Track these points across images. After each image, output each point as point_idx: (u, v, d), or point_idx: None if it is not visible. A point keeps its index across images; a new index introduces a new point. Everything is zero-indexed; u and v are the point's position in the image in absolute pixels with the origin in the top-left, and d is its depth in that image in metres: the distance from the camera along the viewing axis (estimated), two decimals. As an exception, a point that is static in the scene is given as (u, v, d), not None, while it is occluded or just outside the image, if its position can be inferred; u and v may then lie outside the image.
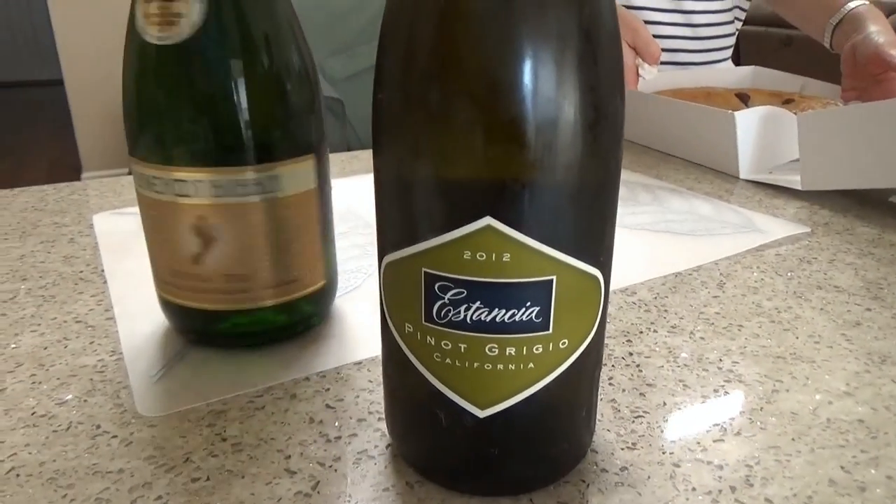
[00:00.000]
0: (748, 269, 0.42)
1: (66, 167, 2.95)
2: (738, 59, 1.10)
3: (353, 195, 0.54)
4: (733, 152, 0.59)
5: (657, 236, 0.47)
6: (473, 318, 0.20)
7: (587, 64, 0.19)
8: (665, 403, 0.29)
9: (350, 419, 0.28)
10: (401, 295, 0.22)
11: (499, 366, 0.21)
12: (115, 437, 0.26)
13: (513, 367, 0.21)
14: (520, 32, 0.18)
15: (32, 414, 0.28)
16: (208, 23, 0.25)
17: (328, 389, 0.29)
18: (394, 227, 0.21)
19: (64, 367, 0.31)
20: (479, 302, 0.20)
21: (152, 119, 0.27)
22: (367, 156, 0.67)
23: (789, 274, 0.41)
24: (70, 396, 0.29)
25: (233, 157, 0.27)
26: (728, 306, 0.37)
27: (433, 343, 0.21)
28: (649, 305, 0.37)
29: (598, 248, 0.21)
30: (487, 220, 0.19)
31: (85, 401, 0.28)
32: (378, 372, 0.31)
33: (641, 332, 0.34)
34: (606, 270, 0.22)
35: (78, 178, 2.75)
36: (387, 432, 0.26)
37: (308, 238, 0.30)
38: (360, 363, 0.31)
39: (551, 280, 0.20)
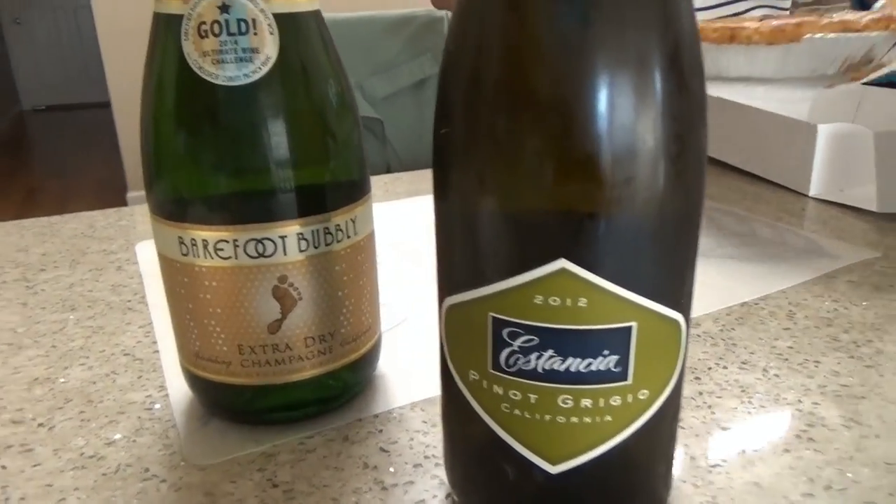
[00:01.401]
0: (819, 298, 0.39)
1: (112, 187, 3.03)
2: None
3: (397, 219, 0.53)
4: (807, 167, 0.57)
5: (717, 263, 0.45)
6: (545, 366, 0.19)
7: (671, 91, 0.17)
8: (744, 451, 0.27)
9: (406, 464, 0.26)
10: (464, 340, 0.20)
11: (573, 418, 0.19)
12: (164, 481, 0.25)
13: (588, 420, 0.19)
14: (598, 59, 0.16)
15: (81, 454, 0.27)
16: (283, 55, 0.24)
17: (381, 431, 0.28)
18: (457, 268, 0.20)
19: (112, 404, 0.30)
20: (551, 350, 0.18)
21: (221, 175, 0.25)
22: (409, 177, 0.66)
23: (864, 303, 0.39)
24: (119, 436, 0.28)
25: (318, 204, 0.25)
26: (801, 340, 0.35)
27: (501, 392, 0.20)
28: (716, 339, 0.35)
29: (679, 290, 0.19)
30: (562, 263, 0.18)
31: (133, 441, 0.28)
32: (433, 412, 0.29)
33: (710, 369, 0.32)
34: (688, 313, 0.20)
35: (124, 198, 2.82)
36: (446, 481, 0.25)
37: (371, 280, 0.29)
38: (414, 403, 0.30)
39: (631, 326, 0.18)
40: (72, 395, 0.31)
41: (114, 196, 2.92)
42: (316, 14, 0.25)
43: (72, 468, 0.26)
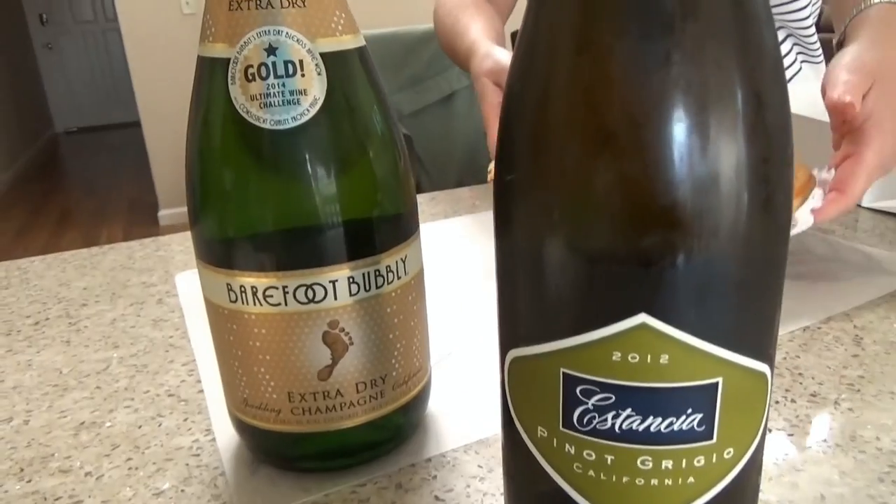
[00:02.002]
0: (886, 321, 0.37)
1: (144, 205, 3.09)
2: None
3: (435, 243, 0.52)
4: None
5: (773, 282, 0.43)
6: (623, 426, 0.17)
7: (757, 133, 0.16)
8: (823, 497, 0.25)
9: (464, 515, 0.25)
10: (532, 395, 0.19)
11: (652, 480, 0.18)
12: (215, 535, 0.25)
13: (669, 483, 0.18)
14: (683, 102, 0.15)
15: (130, 507, 0.26)
16: (330, 96, 0.23)
17: (435, 477, 0.27)
18: (523, 319, 0.19)
19: (159, 450, 0.30)
20: (630, 409, 0.17)
21: (269, 220, 0.24)
22: (445, 197, 0.66)
23: (935, 325, 0.37)
24: (167, 485, 0.27)
25: (368, 246, 0.25)
26: (872, 368, 0.33)
27: (573, 452, 0.18)
28: (780, 368, 0.33)
29: (767, 339, 0.18)
30: (642, 318, 0.16)
31: (182, 490, 0.27)
32: (488, 455, 0.28)
33: (778, 402, 0.31)
34: (773, 362, 0.19)
35: (155, 216, 2.87)
36: (508, 535, 0.24)
37: (422, 319, 0.28)
38: (468, 446, 0.29)
39: (716, 383, 0.17)
40: (118, 441, 0.30)
41: (145, 215, 2.97)
42: (362, 50, 0.25)
43: (122, 522, 0.25)
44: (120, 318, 0.43)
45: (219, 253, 0.25)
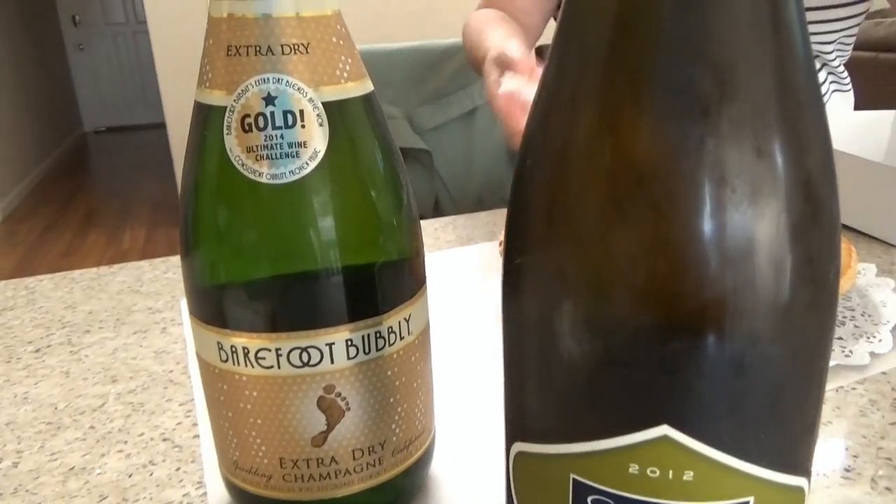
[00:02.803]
0: (927, 382, 0.35)
1: (166, 206, 3.12)
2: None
3: (448, 273, 0.50)
4: None
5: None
6: (639, 544, 0.16)
7: (802, 230, 0.14)
8: None
9: None
10: (538, 496, 0.17)
11: None
12: None
13: None
14: (717, 190, 0.13)
15: (112, 571, 0.25)
16: (333, 148, 0.22)
17: (435, 550, 0.25)
18: (531, 413, 0.17)
19: (148, 503, 0.28)
20: (648, 526, 0.15)
21: (263, 278, 0.22)
22: (463, 222, 0.64)
23: (981, 389, 0.34)
24: (152, 546, 0.26)
25: (369, 306, 0.23)
26: (912, 438, 0.30)
27: (582, 564, 0.17)
28: (811, 436, 0.31)
29: (806, 451, 0.16)
30: (664, 430, 0.14)
31: (168, 553, 0.25)
32: (492, 528, 0.26)
33: (808, 478, 0.28)
34: (811, 474, 0.17)
35: (177, 217, 2.89)
36: None
37: (426, 379, 0.26)
38: (471, 516, 0.27)
39: (747, 502, 0.15)
40: (107, 491, 0.29)
41: (168, 216, 3.00)
42: (368, 97, 0.23)
43: (102, 589, 0.24)
44: (122, 348, 0.42)
45: (210, 309, 0.23)
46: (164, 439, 0.32)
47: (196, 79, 0.23)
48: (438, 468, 0.29)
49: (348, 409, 0.24)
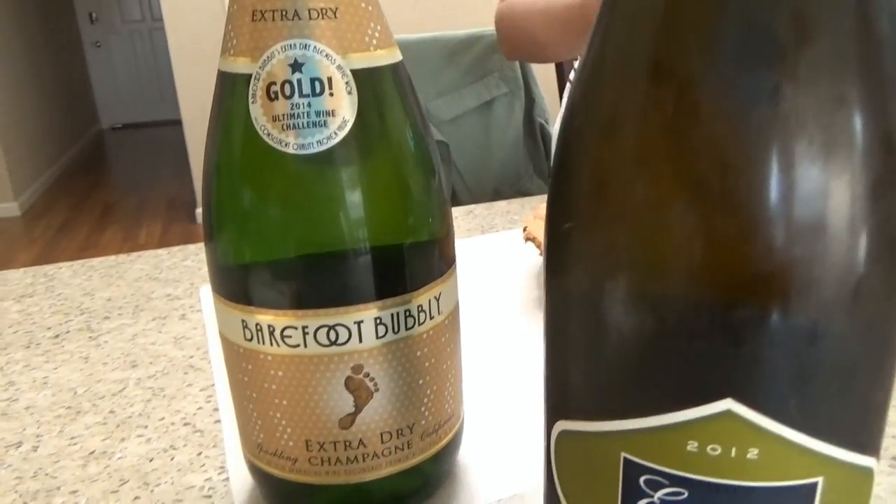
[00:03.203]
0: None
1: (182, 202, 3.13)
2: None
3: (470, 262, 0.49)
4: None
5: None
6: (696, 528, 0.15)
7: (886, 184, 0.13)
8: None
9: (497, 589, 0.22)
10: (583, 477, 0.16)
11: (729, 591, 0.15)
12: None
13: None
14: (792, 143, 0.12)
15: (134, 556, 0.24)
16: (361, 118, 0.21)
17: (466, 538, 0.24)
18: (577, 389, 0.16)
19: (169, 488, 0.27)
20: (705, 508, 0.14)
21: (289, 254, 0.21)
22: (482, 211, 0.63)
23: None
24: (175, 532, 0.25)
25: (398, 284, 0.22)
26: (962, 428, 0.29)
27: (632, 549, 0.16)
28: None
29: (878, 429, 0.15)
30: (728, 404, 0.13)
31: (190, 538, 0.25)
32: (524, 515, 0.25)
33: (854, 467, 0.27)
34: (879, 453, 0.15)
35: (193, 214, 2.90)
36: None
37: (455, 362, 0.25)
38: (500, 501, 0.26)
39: (815, 483, 0.14)
40: (128, 475, 0.28)
41: (183, 212, 3.01)
42: (397, 67, 0.22)
43: (123, 574, 0.23)
44: (141, 334, 0.41)
45: (234, 286, 0.22)
46: (185, 424, 0.32)
47: (213, 76, 0.22)
48: (467, 455, 0.29)
49: (377, 390, 0.23)
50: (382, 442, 0.23)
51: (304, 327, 0.22)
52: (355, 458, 0.23)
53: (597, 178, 0.14)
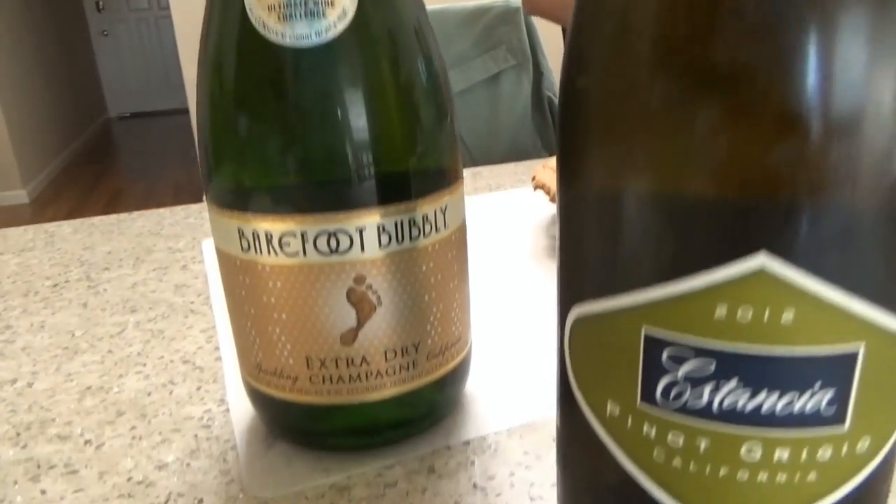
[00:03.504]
0: None
1: (189, 190, 3.13)
2: None
3: (480, 216, 0.48)
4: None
5: None
6: (725, 403, 0.13)
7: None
8: (952, 510, 0.20)
9: (506, 509, 0.21)
10: (601, 362, 0.15)
11: (760, 475, 0.14)
12: (219, 517, 0.21)
13: (782, 479, 0.14)
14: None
15: (129, 480, 0.23)
16: (363, 11, 0.19)
17: (474, 463, 0.23)
18: (594, 265, 0.15)
19: (167, 419, 0.27)
20: (735, 380, 0.13)
21: (287, 155, 0.20)
22: (489, 172, 0.62)
23: None
24: (171, 458, 0.24)
25: (402, 190, 0.21)
26: None
27: (653, 435, 0.14)
28: None
29: (922, 298, 0.14)
30: (761, 261, 0.12)
31: (188, 464, 0.24)
32: (535, 441, 0.24)
33: None
34: (923, 331, 0.14)
35: (200, 201, 2.90)
36: (560, 536, 0.20)
37: (463, 281, 0.24)
38: (512, 430, 0.25)
39: (856, 351, 0.13)
40: (125, 408, 0.28)
41: (191, 199, 3.01)
42: (402, -44, 0.21)
43: (117, 496, 0.22)
44: (141, 283, 0.40)
45: (230, 193, 0.21)
46: (185, 361, 0.31)
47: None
48: (476, 387, 0.27)
49: (380, 304, 0.22)
50: (386, 360, 0.22)
51: (303, 234, 0.20)
52: (358, 376, 0.22)
53: (619, 17, 0.13)
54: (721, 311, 0.13)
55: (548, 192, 0.41)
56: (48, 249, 0.47)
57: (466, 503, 0.21)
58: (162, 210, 0.55)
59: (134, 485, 0.23)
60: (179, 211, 0.54)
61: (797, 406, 0.13)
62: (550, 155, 1.09)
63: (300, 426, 0.24)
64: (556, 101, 1.07)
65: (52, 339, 0.34)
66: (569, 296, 0.16)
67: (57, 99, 3.84)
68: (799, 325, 0.12)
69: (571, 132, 0.15)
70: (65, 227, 0.51)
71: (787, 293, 0.12)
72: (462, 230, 0.24)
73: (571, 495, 0.18)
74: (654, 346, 0.14)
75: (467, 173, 0.62)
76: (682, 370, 0.14)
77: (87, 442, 0.25)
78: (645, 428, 0.15)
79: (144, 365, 0.31)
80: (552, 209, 0.48)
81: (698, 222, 0.13)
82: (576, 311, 0.16)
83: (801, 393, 0.13)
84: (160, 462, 0.24)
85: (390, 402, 0.23)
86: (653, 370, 0.14)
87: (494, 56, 1.07)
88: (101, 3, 4.84)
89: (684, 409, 0.14)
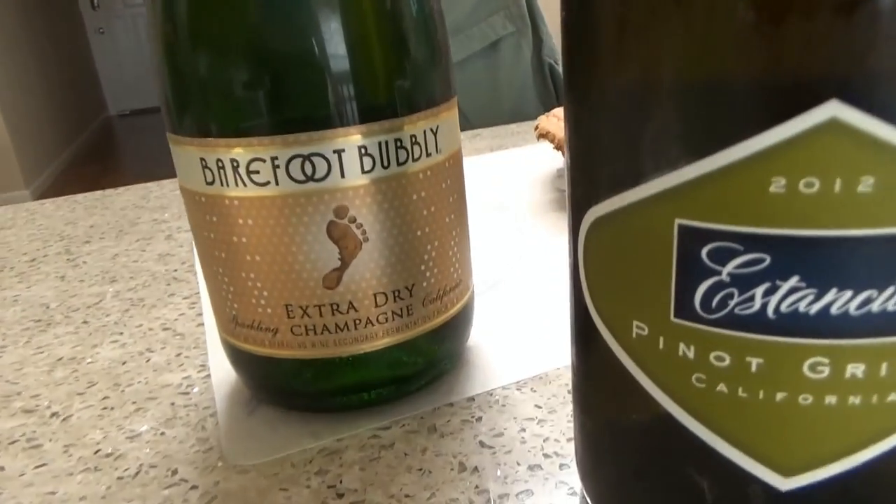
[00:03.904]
0: None
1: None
2: None
3: (482, 174, 0.46)
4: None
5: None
6: (783, 309, 0.11)
7: None
8: None
9: (518, 466, 0.19)
10: (623, 274, 0.12)
11: (827, 398, 0.11)
12: (194, 487, 0.19)
13: (856, 402, 0.11)
14: None
15: (96, 452, 0.21)
16: None
17: (480, 419, 0.21)
18: (613, 152, 0.12)
19: (142, 387, 0.24)
20: (797, 278, 0.10)
21: (250, 64, 0.17)
22: (490, 133, 0.59)
23: None
24: (145, 427, 0.22)
25: (388, 107, 0.18)
26: None
27: (692, 356, 0.12)
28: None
29: None
30: (832, 111, 0.09)
31: (162, 433, 0.21)
32: (548, 394, 0.22)
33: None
34: None
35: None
36: (580, 492, 0.17)
37: (461, 216, 0.22)
38: (521, 382, 0.22)
39: (952, 230, 0.10)
40: (97, 378, 0.25)
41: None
42: None
43: (82, 469, 0.20)
44: (123, 254, 0.38)
45: (189, 116, 0.19)
46: (165, 329, 0.28)
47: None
48: (479, 340, 0.25)
49: (366, 239, 0.19)
50: (377, 305, 0.20)
51: (273, 159, 0.18)
52: (345, 325, 0.20)
53: None
54: (778, 185, 0.10)
55: (552, 140, 0.38)
56: (28, 227, 0.44)
57: (472, 463, 0.19)
58: (149, 184, 0.52)
59: (101, 457, 0.21)
60: (167, 184, 0.52)
61: (876, 307, 0.10)
62: (554, 124, 1.06)
63: (284, 385, 0.21)
64: (558, 68, 1.04)
65: (24, 312, 0.31)
66: (583, 198, 0.13)
67: (56, 98, 3.82)
68: (881, 195, 0.10)
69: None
70: (47, 206, 0.49)
71: (866, 152, 0.10)
72: (458, 157, 0.21)
73: (592, 443, 0.15)
74: (690, 240, 0.11)
75: (467, 135, 0.59)
76: (728, 269, 0.11)
77: (53, 414, 0.23)
78: (681, 349, 0.12)
79: (121, 334, 0.28)
80: (558, 160, 0.45)
81: (747, 67, 0.10)
82: (592, 214, 0.13)
83: (882, 289, 0.10)
84: (132, 432, 0.22)
85: (383, 355, 0.20)
86: (690, 273, 0.11)
87: (492, 23, 1.04)
88: (95, 0, 4.81)
89: (731, 320, 0.11)
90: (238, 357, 0.21)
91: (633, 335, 0.13)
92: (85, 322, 0.30)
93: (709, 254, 0.11)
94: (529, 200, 0.39)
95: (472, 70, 1.03)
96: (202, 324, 0.29)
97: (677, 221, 0.11)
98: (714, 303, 0.11)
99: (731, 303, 0.11)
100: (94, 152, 4.07)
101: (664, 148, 0.11)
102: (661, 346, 0.12)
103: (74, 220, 0.45)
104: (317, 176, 0.18)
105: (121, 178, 3.45)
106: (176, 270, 0.35)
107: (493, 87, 1.04)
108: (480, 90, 1.03)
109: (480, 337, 0.25)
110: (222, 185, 0.18)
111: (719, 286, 0.11)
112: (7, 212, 0.48)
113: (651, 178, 0.11)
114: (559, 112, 0.41)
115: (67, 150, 3.85)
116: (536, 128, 0.40)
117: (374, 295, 0.20)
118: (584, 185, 0.13)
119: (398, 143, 0.19)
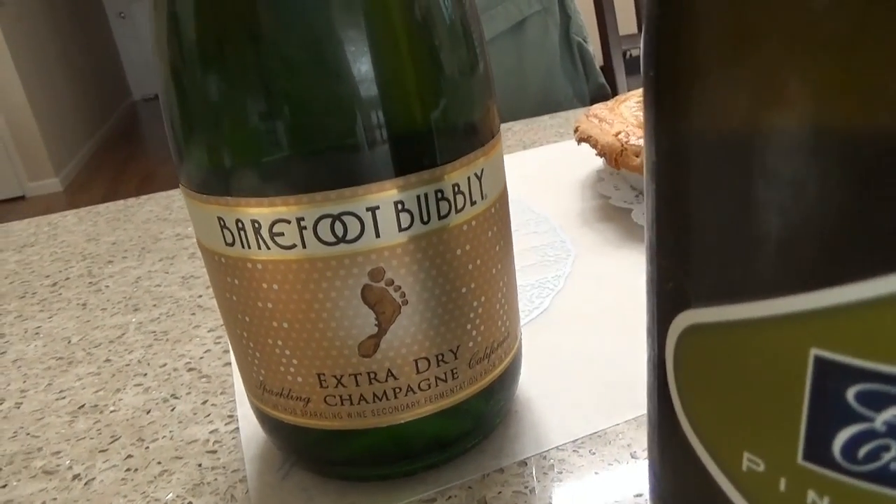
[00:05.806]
0: None
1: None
2: None
3: (514, 175, 0.43)
4: None
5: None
6: (956, 468, 0.08)
7: None
8: None
9: (583, 556, 0.17)
10: (733, 396, 0.10)
11: None
12: (225, 577, 0.17)
13: None
14: None
15: (119, 528, 0.19)
16: None
17: (533, 491, 0.19)
18: (715, 250, 0.10)
19: (168, 444, 0.23)
20: (977, 434, 0.08)
21: (273, 116, 0.15)
22: (521, 127, 0.56)
23: None
24: (170, 495, 0.20)
25: (427, 155, 0.16)
26: None
27: (824, 506, 0.10)
28: None
29: None
30: None
31: (189, 502, 0.20)
32: (609, 457, 0.19)
33: None
34: None
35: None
36: None
37: (508, 264, 0.19)
38: (579, 442, 0.20)
39: None
40: (120, 431, 0.24)
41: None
42: None
43: (105, 551, 0.19)
44: (146, 276, 0.36)
45: (205, 174, 0.17)
46: (190, 369, 0.27)
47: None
48: (529, 386, 0.23)
49: (405, 302, 0.17)
50: (418, 372, 0.18)
51: (299, 220, 0.16)
52: (384, 394, 0.18)
53: None
54: (962, 324, 0.08)
55: (594, 146, 0.35)
56: (50, 244, 0.43)
57: (530, 545, 0.17)
58: (172, 192, 0.51)
59: (126, 533, 0.19)
60: (189, 192, 0.50)
61: None
62: (584, 105, 1.02)
63: (318, 454, 0.19)
64: (587, 46, 1.00)
65: (46, 347, 0.30)
66: (675, 296, 0.11)
67: (80, 85, 3.85)
68: None
69: (690, 38, 0.09)
70: (69, 218, 0.48)
71: None
72: (503, 200, 0.19)
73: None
74: (831, 377, 0.09)
75: (498, 130, 0.56)
76: (884, 417, 0.08)
77: (75, 477, 0.22)
78: (810, 497, 0.10)
79: (145, 375, 0.27)
80: (599, 161, 0.42)
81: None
82: (685, 319, 0.11)
83: None
84: (156, 500, 0.20)
85: (427, 423, 0.18)
86: (829, 414, 0.09)
87: (517, 2, 1.00)
88: (115, -17, 4.80)
89: (884, 476, 0.09)
90: (268, 422, 0.20)
91: (744, 467, 0.10)
92: (107, 360, 0.28)
93: (858, 396, 0.09)
94: (570, 208, 0.37)
95: (498, 51, 1.00)
96: (228, 363, 0.27)
97: (813, 352, 0.09)
98: (862, 454, 0.09)
99: (887, 457, 0.09)
100: (120, 138, 4.10)
101: (812, 257, 0.08)
102: (782, 488, 0.10)
103: (97, 235, 0.43)
104: (349, 237, 0.16)
105: (148, 162, 3.48)
106: (200, 297, 0.33)
107: (520, 69, 1.01)
108: (506, 72, 0.99)
109: (528, 378, 0.23)
110: (243, 246, 0.16)
111: (870, 435, 0.09)
112: (30, 226, 0.47)
113: (783, 294, 0.09)
114: (599, 111, 0.38)
115: (94, 137, 3.89)
116: (576, 130, 0.37)
117: (416, 361, 0.18)
118: (676, 277, 0.11)
119: (439, 195, 0.16)
